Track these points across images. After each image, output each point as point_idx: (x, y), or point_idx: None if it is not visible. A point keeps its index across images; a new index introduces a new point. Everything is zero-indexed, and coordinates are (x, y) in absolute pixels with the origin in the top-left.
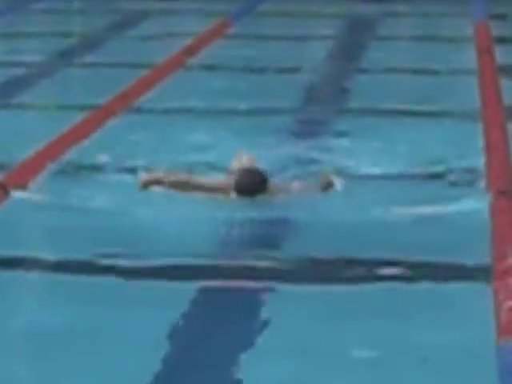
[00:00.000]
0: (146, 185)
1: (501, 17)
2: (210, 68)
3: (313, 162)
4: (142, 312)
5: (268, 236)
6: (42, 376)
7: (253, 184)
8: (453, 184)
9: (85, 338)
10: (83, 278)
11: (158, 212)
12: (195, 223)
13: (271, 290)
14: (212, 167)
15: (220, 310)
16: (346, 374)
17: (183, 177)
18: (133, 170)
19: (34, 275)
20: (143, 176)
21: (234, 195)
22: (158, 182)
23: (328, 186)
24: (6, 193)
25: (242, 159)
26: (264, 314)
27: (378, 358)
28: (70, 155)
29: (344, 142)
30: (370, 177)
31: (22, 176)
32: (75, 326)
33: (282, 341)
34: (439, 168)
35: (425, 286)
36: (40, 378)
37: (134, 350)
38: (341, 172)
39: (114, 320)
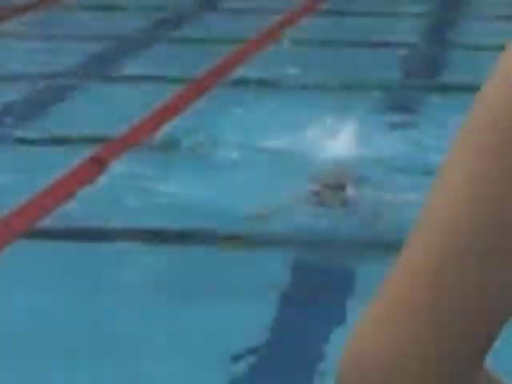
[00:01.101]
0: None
1: None
2: (303, 43)
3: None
4: None
5: None
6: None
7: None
8: None
9: None
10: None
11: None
12: None
13: None
14: (300, 148)
15: None
16: None
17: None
18: (226, 146)
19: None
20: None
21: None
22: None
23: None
24: (103, 166)
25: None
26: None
27: None
28: (165, 131)
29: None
30: None
31: (118, 150)
32: None
33: None
34: None
35: None
36: None
37: None
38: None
39: None
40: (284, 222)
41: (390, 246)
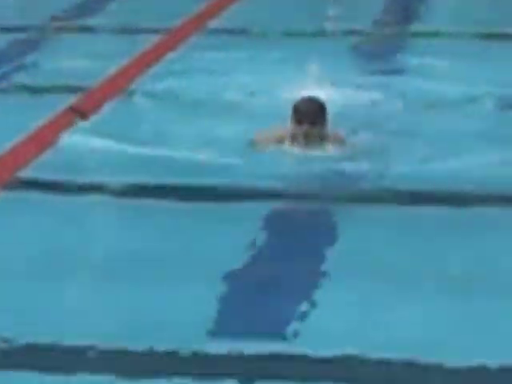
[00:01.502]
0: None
1: None
2: None
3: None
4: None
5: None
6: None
7: (311, 110)
8: None
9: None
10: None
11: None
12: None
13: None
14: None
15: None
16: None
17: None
18: (210, 94)
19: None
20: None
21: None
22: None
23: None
24: (84, 117)
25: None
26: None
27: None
28: (144, 80)
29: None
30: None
31: (98, 100)
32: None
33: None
34: None
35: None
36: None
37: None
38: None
39: None
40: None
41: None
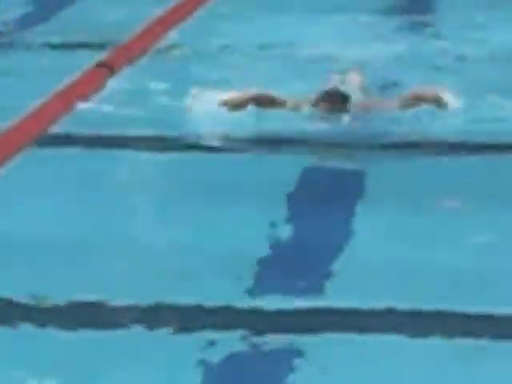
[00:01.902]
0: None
1: None
2: None
3: None
4: None
5: None
6: None
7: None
8: None
9: None
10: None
11: None
12: None
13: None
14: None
15: None
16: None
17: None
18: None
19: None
20: (229, 97)
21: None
22: (242, 105)
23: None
24: (112, 72)
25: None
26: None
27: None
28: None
29: None
30: None
31: (127, 56)
32: None
33: None
34: None
35: None
36: None
37: None
38: None
39: None
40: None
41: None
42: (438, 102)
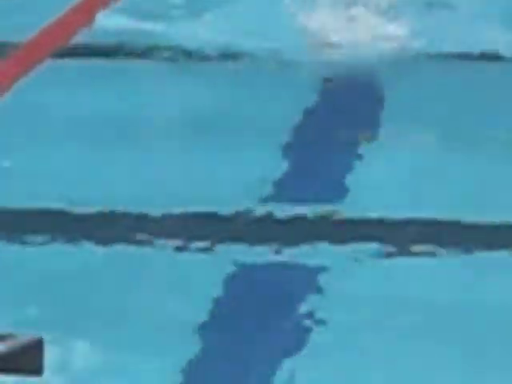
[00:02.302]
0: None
1: None
2: None
3: None
4: None
5: None
6: None
7: None
8: None
9: None
10: None
11: None
12: None
13: None
14: None
15: None
16: None
17: None
18: None
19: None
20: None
21: None
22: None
23: None
24: None
25: None
26: None
27: None
28: None
29: None
30: None
31: None
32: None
33: None
34: None
35: None
36: None
37: None
38: None
39: None
40: None
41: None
42: None
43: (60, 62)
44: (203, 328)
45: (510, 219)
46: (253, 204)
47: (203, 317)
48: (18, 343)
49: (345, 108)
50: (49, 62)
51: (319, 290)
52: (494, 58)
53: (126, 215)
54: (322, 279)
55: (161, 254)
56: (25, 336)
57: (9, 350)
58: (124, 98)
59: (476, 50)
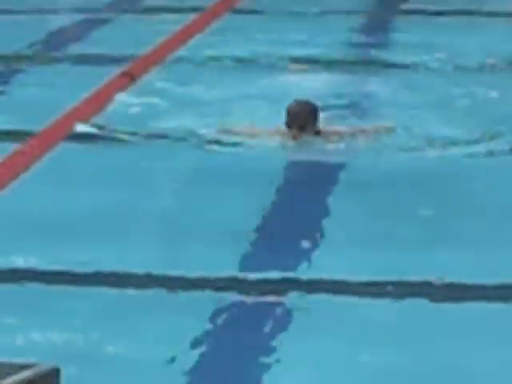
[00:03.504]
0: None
1: None
2: None
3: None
4: None
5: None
6: None
7: (300, 114)
8: None
9: None
10: None
11: None
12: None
13: None
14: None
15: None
16: None
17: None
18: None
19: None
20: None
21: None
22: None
23: (386, 132)
24: (133, 80)
25: None
26: None
27: None
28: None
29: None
30: None
31: (146, 66)
32: None
33: None
34: None
35: None
36: None
37: None
38: None
39: None
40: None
41: None
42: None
43: None
44: None
45: None
46: None
47: None
48: (38, 371)
49: None
50: None
51: None
52: None
53: None
54: None
55: None
56: (44, 365)
57: (29, 378)
58: None
59: None
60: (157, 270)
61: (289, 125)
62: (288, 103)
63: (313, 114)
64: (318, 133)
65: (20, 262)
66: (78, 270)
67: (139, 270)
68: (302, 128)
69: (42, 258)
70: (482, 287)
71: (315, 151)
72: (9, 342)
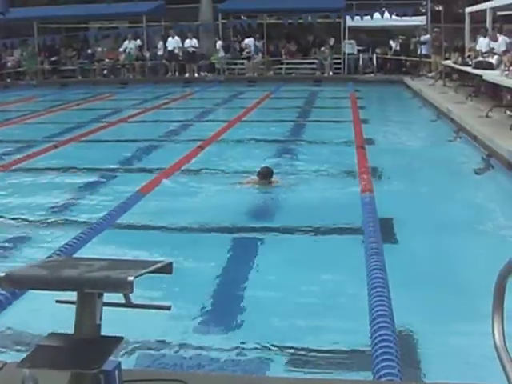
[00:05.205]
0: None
1: None
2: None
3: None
4: None
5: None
6: None
7: (267, 171)
8: None
9: None
10: None
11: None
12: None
13: None
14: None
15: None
16: None
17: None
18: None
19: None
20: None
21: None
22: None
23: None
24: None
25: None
26: None
27: None
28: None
29: None
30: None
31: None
32: None
33: None
34: None
35: None
36: None
37: None
38: None
39: None
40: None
41: None
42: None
43: None
44: None
45: None
46: None
47: None
48: (159, 265)
49: None
50: None
51: None
52: None
53: None
54: None
55: None
56: (156, 261)
57: (156, 267)
58: None
59: None
60: None
61: (259, 177)
62: (260, 167)
63: (271, 173)
64: (270, 182)
65: None
66: None
67: None
68: (266, 179)
69: None
70: None
71: (268, 188)
72: None
